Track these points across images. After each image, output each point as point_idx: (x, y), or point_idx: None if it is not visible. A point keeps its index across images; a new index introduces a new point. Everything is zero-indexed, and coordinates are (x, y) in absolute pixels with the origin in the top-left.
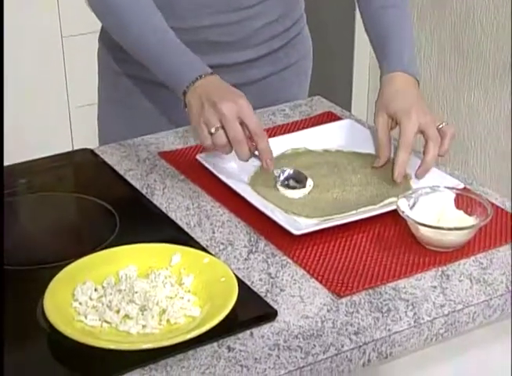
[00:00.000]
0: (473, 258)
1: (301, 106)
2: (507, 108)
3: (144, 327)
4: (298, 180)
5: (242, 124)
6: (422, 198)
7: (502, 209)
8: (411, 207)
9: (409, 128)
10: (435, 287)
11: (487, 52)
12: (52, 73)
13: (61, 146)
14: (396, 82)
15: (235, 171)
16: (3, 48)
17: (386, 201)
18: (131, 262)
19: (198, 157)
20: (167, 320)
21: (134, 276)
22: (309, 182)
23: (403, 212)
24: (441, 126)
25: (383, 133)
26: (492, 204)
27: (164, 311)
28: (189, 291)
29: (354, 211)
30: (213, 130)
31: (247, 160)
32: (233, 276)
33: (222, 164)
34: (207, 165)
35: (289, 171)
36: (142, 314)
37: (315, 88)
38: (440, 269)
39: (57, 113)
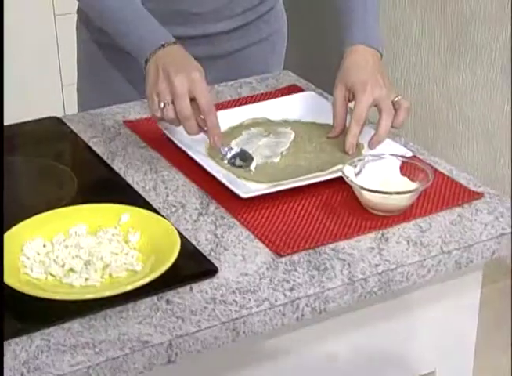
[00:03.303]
0: (413, 221)
1: (268, 80)
2: (494, 91)
3: (87, 279)
4: (244, 159)
5: (193, 99)
6: (368, 165)
7: (448, 177)
8: (357, 174)
9: (363, 101)
10: (373, 248)
11: (476, 35)
12: (45, 51)
13: None
14: (356, 54)
15: (194, 139)
16: (3, 46)
17: (334, 168)
18: (81, 221)
19: (159, 124)
20: (110, 274)
21: (83, 233)
22: (253, 164)
23: (348, 178)
24: (396, 99)
25: (339, 104)
26: (440, 173)
27: (107, 265)
28: (134, 248)
29: (302, 177)
30: (162, 105)
31: (196, 135)
32: (177, 233)
33: (182, 132)
34: (166, 133)
35: (236, 149)
36: (86, 268)
37: (292, 65)
38: (380, 231)
39: (50, 91)
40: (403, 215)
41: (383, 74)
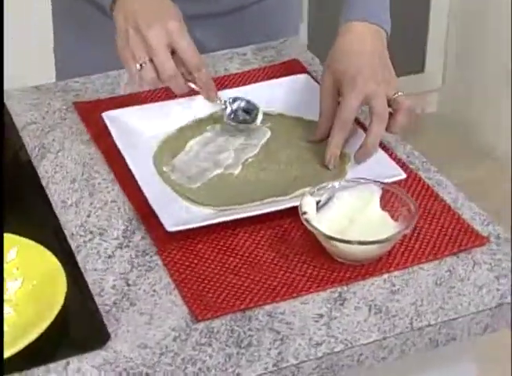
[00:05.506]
0: (386, 276)
1: (267, 50)
2: None
3: None
4: (248, 111)
5: (174, 52)
6: (339, 194)
7: (449, 208)
8: (322, 205)
9: (350, 100)
10: (321, 315)
11: None
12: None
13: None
14: (351, 34)
15: (143, 135)
16: (3, 45)
17: (299, 191)
18: None
19: (104, 114)
20: None
21: None
22: (259, 118)
23: (303, 214)
24: (395, 96)
25: (325, 100)
26: (440, 201)
27: None
28: (10, 301)
29: (258, 203)
30: (138, 66)
31: (184, 92)
32: (64, 282)
33: (132, 125)
34: (109, 126)
35: (239, 102)
36: None
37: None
38: (339, 289)
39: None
40: (374, 265)
41: (383, 61)
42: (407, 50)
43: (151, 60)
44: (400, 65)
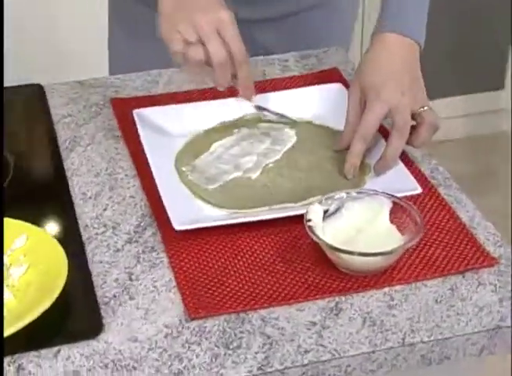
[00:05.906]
0: (387, 289)
1: (309, 58)
2: None
3: None
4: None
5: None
6: (348, 204)
7: (463, 227)
8: (331, 214)
9: (373, 110)
10: (315, 323)
11: None
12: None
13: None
14: (382, 46)
15: (170, 135)
16: (3, 44)
17: (311, 199)
18: None
19: (135, 111)
20: None
21: None
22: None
23: (308, 221)
24: (420, 110)
25: (351, 110)
26: (455, 219)
27: None
28: (12, 286)
29: (267, 208)
30: (193, 39)
31: (224, 88)
32: (65, 271)
33: (159, 124)
34: (138, 124)
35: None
36: None
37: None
38: (336, 299)
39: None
40: (377, 278)
41: (412, 74)
42: (487, 66)
43: (201, 43)
44: (479, 81)
